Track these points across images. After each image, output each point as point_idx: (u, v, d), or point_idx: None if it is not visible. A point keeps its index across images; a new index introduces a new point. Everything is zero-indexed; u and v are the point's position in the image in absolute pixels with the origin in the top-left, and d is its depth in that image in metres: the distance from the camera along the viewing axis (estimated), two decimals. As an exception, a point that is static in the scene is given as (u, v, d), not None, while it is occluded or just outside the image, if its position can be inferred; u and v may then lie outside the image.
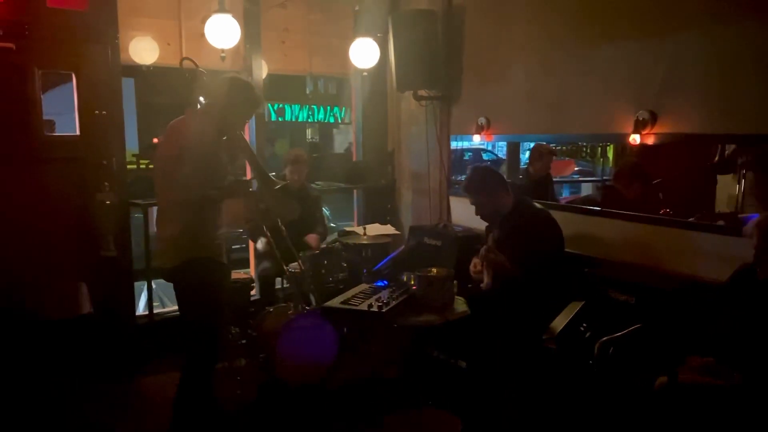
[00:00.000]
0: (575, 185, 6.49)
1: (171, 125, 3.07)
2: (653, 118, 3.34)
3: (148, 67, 4.68)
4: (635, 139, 3.37)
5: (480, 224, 3.85)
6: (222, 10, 4.23)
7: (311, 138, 14.29)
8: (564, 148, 4.29)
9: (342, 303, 3.33)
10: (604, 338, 2.84)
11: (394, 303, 3.23)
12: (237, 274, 4.48)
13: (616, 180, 4.13)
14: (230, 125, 3.13)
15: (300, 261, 3.91)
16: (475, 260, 3.64)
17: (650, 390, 2.48)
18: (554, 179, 4.67)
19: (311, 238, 4.64)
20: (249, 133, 5.06)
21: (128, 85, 8.48)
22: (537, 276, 3.32)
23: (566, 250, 3.58)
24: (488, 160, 9.21)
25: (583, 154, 4.13)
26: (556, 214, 3.65)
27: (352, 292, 3.51)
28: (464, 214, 4.93)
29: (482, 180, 3.61)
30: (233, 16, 4.29)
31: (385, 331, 3.74)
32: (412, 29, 4.70)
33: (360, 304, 3.27)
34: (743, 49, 2.96)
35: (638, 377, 2.59)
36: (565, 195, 5.21)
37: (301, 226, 4.46)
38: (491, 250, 3.44)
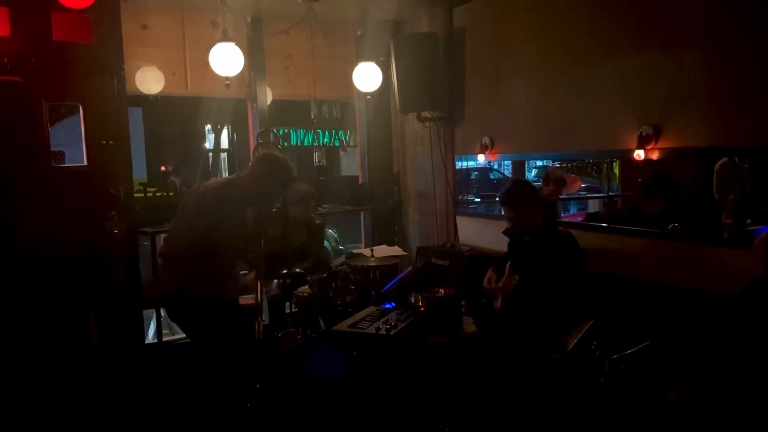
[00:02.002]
0: (582, 201, 6.46)
1: (216, 184, 3.33)
2: (657, 133, 3.33)
3: (155, 96, 4.74)
4: (639, 154, 3.37)
5: (486, 243, 3.84)
6: (225, 38, 4.28)
7: (318, 162, 14.32)
8: (570, 165, 4.28)
9: (350, 327, 3.33)
10: (615, 355, 2.81)
11: (402, 326, 3.22)
12: (245, 300, 4.47)
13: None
14: (259, 201, 3.38)
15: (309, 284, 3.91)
16: (490, 275, 3.64)
17: (662, 407, 2.45)
18: (560, 197, 4.66)
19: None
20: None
21: (136, 114, 8.57)
22: (559, 295, 3.27)
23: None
24: (495, 179, 9.21)
25: (590, 171, 4.11)
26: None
27: (360, 315, 3.50)
28: (471, 233, 4.93)
29: (518, 193, 3.50)
30: (237, 44, 4.34)
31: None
32: (414, 52, 4.75)
33: (368, 327, 3.26)
34: (745, 60, 2.97)
35: (649, 394, 2.56)
36: (573, 212, 5.18)
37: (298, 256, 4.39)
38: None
